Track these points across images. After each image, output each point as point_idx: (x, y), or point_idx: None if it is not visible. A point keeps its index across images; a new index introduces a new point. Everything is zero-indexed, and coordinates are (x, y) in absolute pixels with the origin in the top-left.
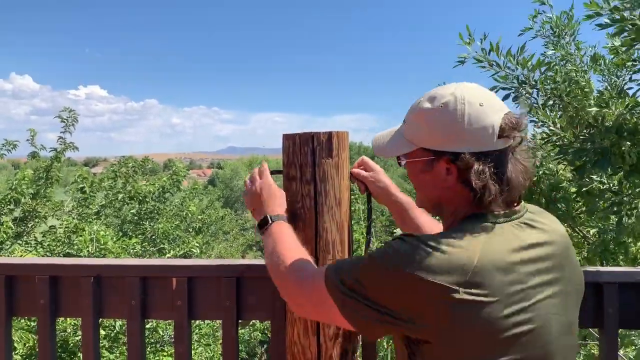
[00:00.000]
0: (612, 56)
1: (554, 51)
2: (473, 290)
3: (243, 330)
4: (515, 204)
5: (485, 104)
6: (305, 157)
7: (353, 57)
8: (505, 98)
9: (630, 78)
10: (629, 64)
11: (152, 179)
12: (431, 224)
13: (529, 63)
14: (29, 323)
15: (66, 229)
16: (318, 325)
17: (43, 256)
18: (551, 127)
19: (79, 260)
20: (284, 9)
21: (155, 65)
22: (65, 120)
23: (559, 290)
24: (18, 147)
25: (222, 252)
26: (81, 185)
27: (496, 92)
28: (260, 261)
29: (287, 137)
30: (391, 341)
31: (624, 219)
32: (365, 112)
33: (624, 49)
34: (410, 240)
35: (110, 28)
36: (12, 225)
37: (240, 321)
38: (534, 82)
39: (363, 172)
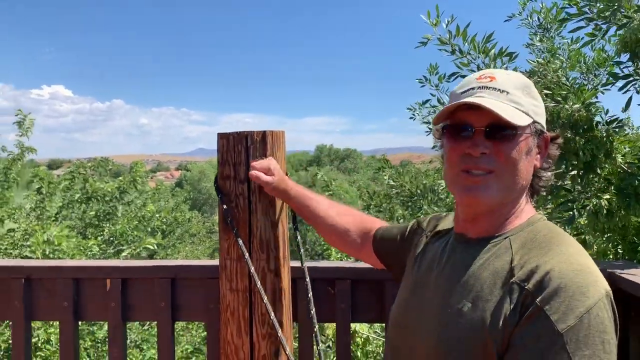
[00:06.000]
0: (594, 54)
1: (540, 43)
2: None
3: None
4: None
5: None
6: (239, 156)
7: (326, 58)
8: None
9: (608, 80)
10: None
11: (115, 181)
12: (348, 217)
13: (491, 52)
14: None
15: (24, 232)
16: (251, 325)
17: None
18: None
19: (8, 262)
20: (257, 8)
21: (122, 64)
22: (22, 124)
23: None
24: None
25: (188, 255)
26: (38, 186)
27: (455, 78)
28: (195, 262)
29: (221, 136)
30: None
31: (575, 217)
32: (337, 115)
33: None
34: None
35: (75, 27)
36: None
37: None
38: None
39: (263, 177)
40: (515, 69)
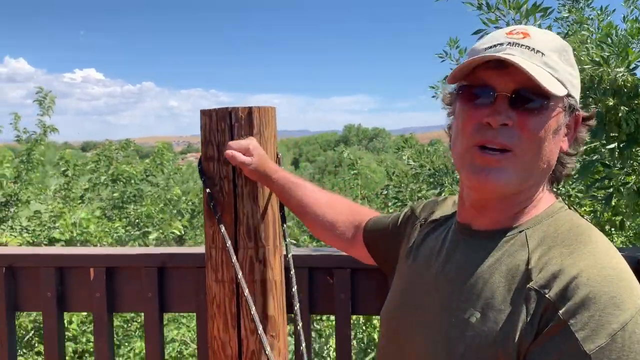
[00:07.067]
0: (627, 25)
1: (568, 14)
2: None
3: None
4: None
5: None
6: (223, 134)
7: (354, 37)
8: None
9: None
10: None
11: (140, 163)
12: (338, 207)
13: (524, 6)
14: None
15: (51, 214)
16: (239, 319)
17: (29, 242)
18: None
19: None
20: None
21: (152, 47)
22: (43, 103)
23: None
24: (8, 132)
25: None
26: (63, 168)
27: (481, 37)
28: (184, 249)
29: (204, 113)
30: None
31: (613, 195)
32: (365, 93)
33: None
34: None
35: (105, 10)
36: None
37: None
38: None
39: (240, 157)
40: (549, 28)
